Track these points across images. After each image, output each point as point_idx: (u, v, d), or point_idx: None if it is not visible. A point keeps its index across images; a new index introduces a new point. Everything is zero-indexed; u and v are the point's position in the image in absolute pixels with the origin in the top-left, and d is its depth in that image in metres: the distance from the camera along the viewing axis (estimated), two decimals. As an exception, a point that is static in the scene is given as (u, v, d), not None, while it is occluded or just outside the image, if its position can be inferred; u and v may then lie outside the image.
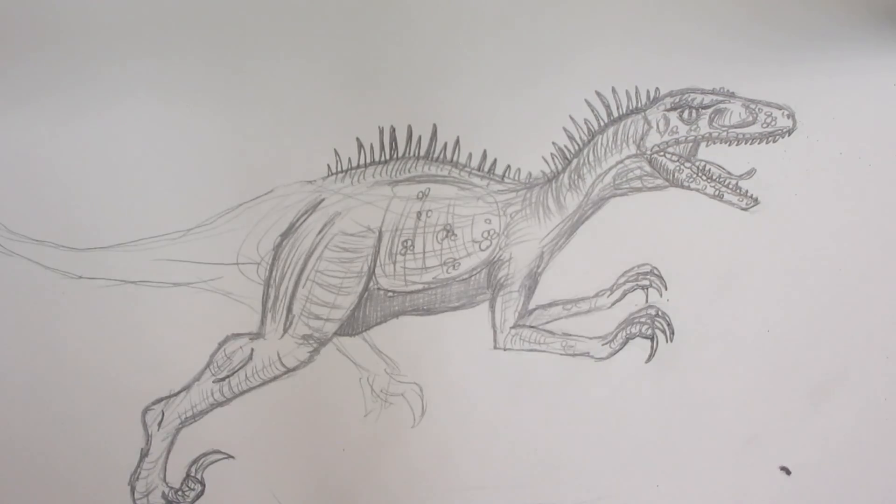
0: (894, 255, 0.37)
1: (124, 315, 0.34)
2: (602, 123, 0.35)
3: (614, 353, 0.38)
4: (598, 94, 0.34)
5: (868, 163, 0.36)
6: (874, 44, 0.35)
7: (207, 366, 0.33)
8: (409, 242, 0.34)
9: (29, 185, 0.34)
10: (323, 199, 0.34)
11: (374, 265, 0.34)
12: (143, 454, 0.34)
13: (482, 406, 0.37)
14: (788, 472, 0.41)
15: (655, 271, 0.37)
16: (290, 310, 0.33)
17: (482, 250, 0.35)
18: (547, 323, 0.37)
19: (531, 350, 0.37)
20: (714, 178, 0.35)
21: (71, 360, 0.34)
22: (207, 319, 0.33)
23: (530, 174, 0.35)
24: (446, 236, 0.34)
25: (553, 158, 0.35)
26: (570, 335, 0.37)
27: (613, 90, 0.35)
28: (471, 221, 0.34)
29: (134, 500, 0.34)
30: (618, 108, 0.35)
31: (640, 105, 0.35)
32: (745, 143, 0.35)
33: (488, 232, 0.35)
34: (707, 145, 0.35)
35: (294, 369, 0.33)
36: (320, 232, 0.34)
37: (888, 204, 0.36)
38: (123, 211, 0.34)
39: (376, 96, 0.34)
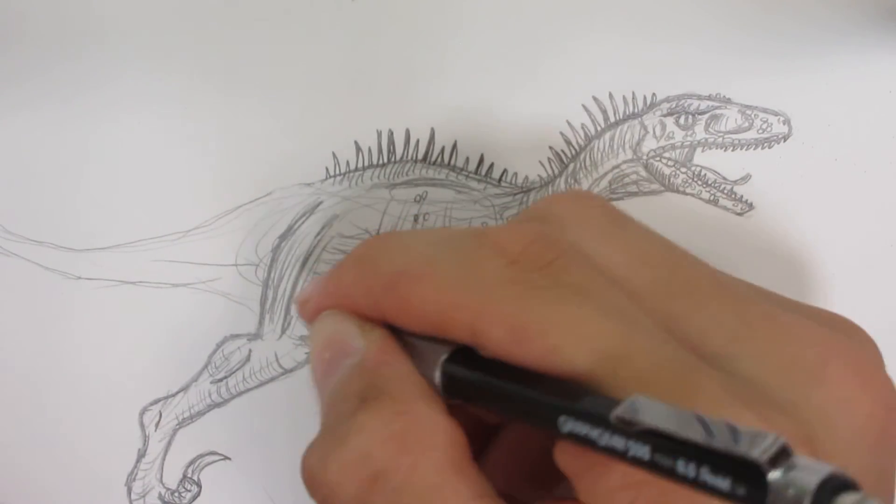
0: (889, 262, 0.37)
1: (123, 315, 0.34)
2: (599, 128, 0.35)
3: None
4: (595, 99, 0.35)
5: (863, 169, 0.36)
6: (870, 51, 0.35)
7: (205, 366, 0.33)
8: (407, 245, 0.34)
9: (27, 186, 0.34)
10: (321, 202, 0.34)
11: (372, 267, 0.34)
12: (141, 455, 0.34)
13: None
14: None
15: (651, 275, 0.37)
16: (287, 311, 0.34)
17: (479, 254, 0.35)
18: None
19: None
20: (709, 183, 0.35)
21: (69, 361, 0.34)
22: (206, 320, 0.34)
23: (527, 178, 0.35)
24: (444, 239, 0.35)
25: (550, 163, 0.35)
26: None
27: (610, 95, 0.35)
28: (468, 225, 0.35)
29: (130, 501, 0.34)
30: (615, 114, 0.35)
31: (636, 110, 0.35)
32: (741, 149, 0.35)
33: (485, 235, 0.35)
34: (703, 151, 0.35)
35: (292, 370, 0.34)
36: (318, 234, 0.34)
37: (883, 211, 0.37)
38: (122, 212, 0.34)
39: (374, 100, 0.34)
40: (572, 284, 0.20)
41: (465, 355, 0.21)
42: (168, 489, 0.34)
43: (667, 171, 0.35)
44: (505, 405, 0.20)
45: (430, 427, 0.20)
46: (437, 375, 0.21)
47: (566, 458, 0.19)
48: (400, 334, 0.23)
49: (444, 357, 0.21)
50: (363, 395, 0.21)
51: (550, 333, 0.18)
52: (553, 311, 0.19)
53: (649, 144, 0.35)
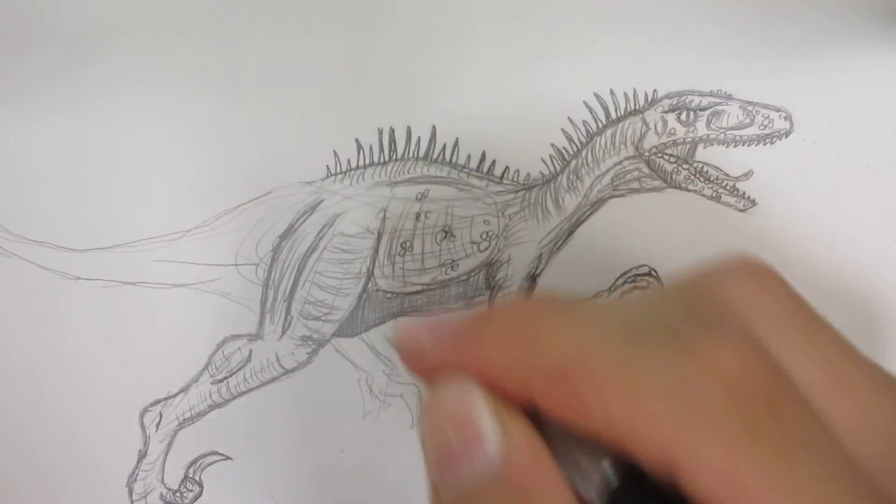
0: (891, 258, 0.37)
1: (123, 316, 0.33)
2: (600, 125, 0.35)
3: (612, 355, 0.38)
4: (596, 95, 0.35)
5: (865, 164, 0.36)
6: (872, 47, 0.35)
7: (206, 367, 0.33)
8: (408, 244, 0.34)
9: (27, 186, 0.34)
10: (322, 201, 0.34)
11: (373, 266, 0.34)
12: (141, 455, 0.33)
13: (481, 407, 0.37)
14: None
15: (653, 273, 0.37)
16: (288, 311, 0.33)
17: (481, 251, 0.35)
18: (545, 324, 0.37)
19: (529, 351, 0.37)
20: (712, 179, 0.35)
21: (69, 361, 0.34)
22: (206, 320, 0.33)
23: (529, 175, 0.35)
24: (445, 237, 0.34)
25: (552, 160, 0.35)
26: (569, 336, 0.37)
27: (612, 92, 0.35)
28: (469, 223, 0.35)
29: (132, 502, 0.34)
30: (616, 110, 0.35)
31: (638, 107, 0.35)
32: (743, 145, 0.35)
33: (487, 233, 0.35)
34: (705, 147, 0.35)
35: (292, 370, 0.33)
36: (319, 233, 0.34)
37: (885, 206, 0.37)
38: (122, 212, 0.34)
39: (375, 98, 0.34)
40: (800, 436, 0.17)
41: (628, 471, 0.17)
42: (169, 489, 0.34)
43: (669, 167, 0.35)
44: None
45: None
46: (596, 495, 0.17)
47: None
48: (537, 419, 0.19)
49: (608, 472, 0.17)
50: None
51: (781, 500, 0.15)
52: (785, 472, 0.16)
53: (651, 141, 0.35)
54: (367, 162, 0.34)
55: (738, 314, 0.19)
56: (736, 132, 0.35)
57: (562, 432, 0.18)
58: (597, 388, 0.17)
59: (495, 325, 0.19)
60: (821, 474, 0.16)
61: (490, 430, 0.18)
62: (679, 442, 0.16)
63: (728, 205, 0.36)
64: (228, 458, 0.34)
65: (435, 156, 0.34)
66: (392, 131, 0.34)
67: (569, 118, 0.34)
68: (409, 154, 0.34)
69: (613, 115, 0.35)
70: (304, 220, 0.34)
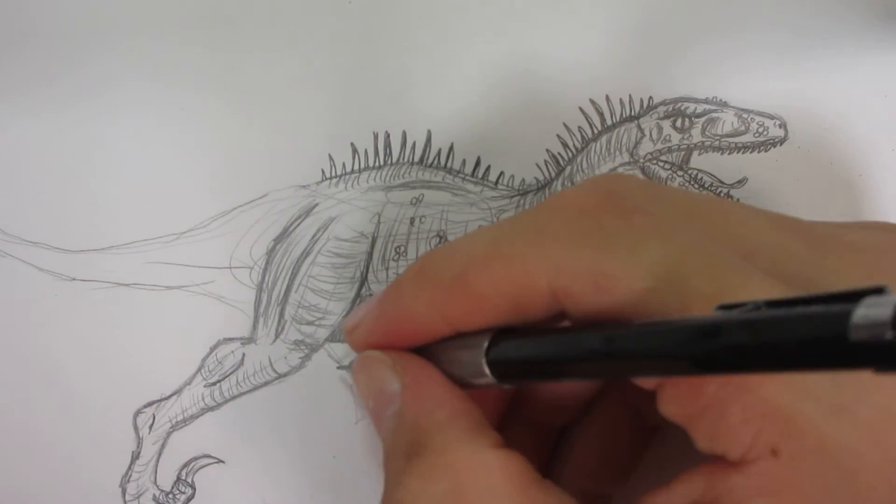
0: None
1: (116, 318, 0.33)
2: (595, 131, 0.35)
3: (606, 360, 0.38)
4: (592, 101, 0.35)
5: (859, 173, 0.36)
6: (866, 55, 0.35)
7: (199, 370, 0.33)
8: (403, 248, 0.34)
9: (23, 186, 0.34)
10: (317, 204, 0.34)
11: (368, 271, 0.34)
12: (134, 457, 0.34)
13: (473, 412, 0.37)
14: None
15: (647, 279, 0.37)
16: (282, 315, 0.33)
17: (475, 257, 0.35)
18: (539, 329, 0.37)
19: (523, 356, 0.37)
20: (706, 186, 0.35)
21: (62, 363, 0.34)
22: (199, 323, 0.33)
23: (524, 181, 0.35)
24: (439, 242, 0.34)
25: (546, 165, 0.35)
26: (562, 342, 0.38)
27: (607, 98, 0.35)
28: (464, 228, 0.35)
29: (125, 502, 0.34)
30: (611, 116, 0.35)
31: (633, 113, 0.35)
32: (737, 152, 0.35)
33: (481, 238, 0.35)
34: (699, 154, 0.35)
35: (285, 375, 0.33)
36: (313, 237, 0.34)
37: (879, 214, 0.37)
38: (117, 213, 0.34)
39: (371, 102, 0.34)
40: (648, 228, 0.19)
41: (508, 334, 0.20)
42: (162, 491, 0.34)
43: (663, 174, 0.35)
44: (584, 362, 0.18)
45: (481, 470, 0.19)
46: (482, 364, 0.20)
47: (674, 406, 0.18)
48: (437, 352, 0.22)
49: (486, 343, 0.20)
50: (408, 452, 0.20)
51: (631, 273, 0.18)
52: (631, 255, 0.18)
53: (646, 147, 0.35)
54: (363, 166, 0.34)
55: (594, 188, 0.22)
56: (731, 139, 0.35)
57: (453, 348, 0.22)
58: (483, 275, 0.20)
59: (405, 280, 0.23)
60: (675, 248, 0.18)
61: (390, 383, 0.22)
62: (553, 275, 0.19)
63: (722, 212, 0.36)
64: (221, 461, 0.34)
65: (430, 160, 0.34)
66: (387, 135, 0.34)
67: (564, 124, 0.34)
68: (404, 158, 0.34)
69: (609, 121, 0.35)
70: (299, 224, 0.34)
